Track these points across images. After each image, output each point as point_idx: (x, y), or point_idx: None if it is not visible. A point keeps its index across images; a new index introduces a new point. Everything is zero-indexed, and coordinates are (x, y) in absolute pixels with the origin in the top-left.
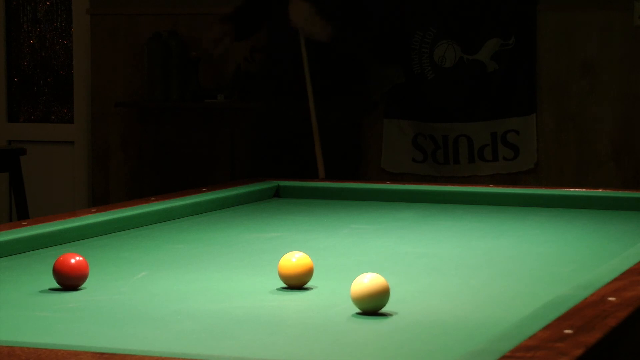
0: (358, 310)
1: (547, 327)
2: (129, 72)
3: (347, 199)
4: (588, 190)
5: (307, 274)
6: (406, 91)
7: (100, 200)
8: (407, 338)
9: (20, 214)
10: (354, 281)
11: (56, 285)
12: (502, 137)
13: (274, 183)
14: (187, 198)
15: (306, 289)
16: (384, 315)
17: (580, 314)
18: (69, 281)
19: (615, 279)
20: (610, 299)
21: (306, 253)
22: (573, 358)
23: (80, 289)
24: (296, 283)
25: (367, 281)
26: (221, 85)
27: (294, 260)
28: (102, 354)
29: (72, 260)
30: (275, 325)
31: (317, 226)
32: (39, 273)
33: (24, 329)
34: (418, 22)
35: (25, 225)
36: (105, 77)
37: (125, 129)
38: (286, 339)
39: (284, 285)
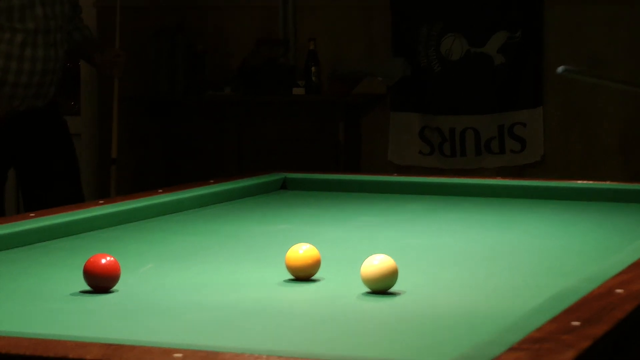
0: (366, 300)
1: (554, 320)
2: (136, 66)
3: (354, 191)
4: (595, 182)
5: (315, 266)
6: (413, 84)
7: (106, 192)
8: (414, 330)
9: (28, 206)
10: (365, 261)
11: (66, 280)
12: (509, 130)
13: (281, 175)
14: (194, 190)
15: (313, 280)
16: (391, 306)
17: (587, 307)
18: (101, 283)
19: (622, 272)
20: (618, 291)
21: (313, 245)
22: (580, 350)
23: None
24: (303, 275)
25: (377, 261)
26: (228, 78)
27: (302, 252)
28: (110, 345)
29: (103, 261)
30: (283, 317)
31: (324, 218)
32: (46, 265)
33: (32, 320)
34: (425, 15)
35: (32, 217)
36: None
37: (132, 123)
38: (294, 331)
39: (292, 277)
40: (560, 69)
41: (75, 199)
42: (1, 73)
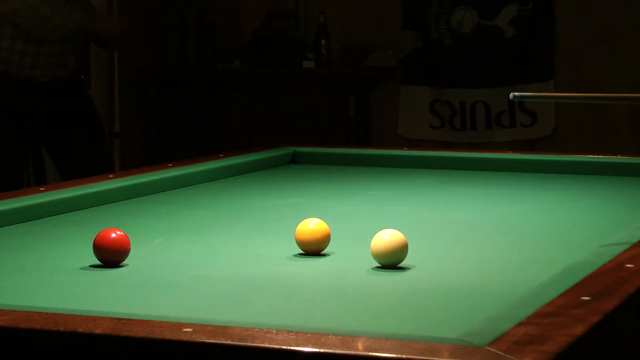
0: (376, 274)
1: (564, 294)
2: (146, 38)
3: (364, 165)
4: (606, 156)
5: (324, 240)
6: (423, 57)
7: (116, 166)
8: (423, 304)
9: (38, 179)
10: (375, 235)
11: (76, 254)
12: (520, 103)
13: (290, 149)
14: (203, 164)
15: (323, 255)
16: (400, 280)
17: (597, 281)
18: (111, 257)
19: (633, 246)
20: (628, 265)
21: (323, 219)
22: (590, 325)
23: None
24: (313, 249)
25: (387, 235)
26: (238, 50)
27: (311, 226)
28: (120, 319)
29: (113, 235)
30: (292, 291)
31: (334, 192)
32: (56, 239)
33: (42, 294)
34: None
35: (43, 191)
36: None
37: (141, 95)
38: (303, 305)
39: (301, 252)
40: (511, 95)
41: (103, 169)
42: (20, 43)
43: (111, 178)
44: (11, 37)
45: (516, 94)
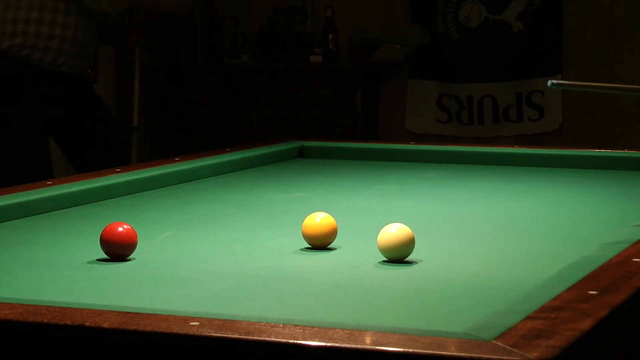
0: (382, 268)
1: (571, 288)
2: (154, 35)
3: (371, 159)
4: (613, 151)
5: (331, 234)
6: (431, 51)
7: (127, 160)
8: (430, 298)
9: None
10: (381, 230)
11: (83, 247)
12: (527, 98)
13: (297, 143)
14: (211, 158)
15: (330, 249)
16: (408, 275)
17: (605, 275)
18: (118, 250)
19: None
20: (636, 260)
21: (330, 213)
22: (597, 319)
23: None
24: (320, 243)
25: (394, 229)
26: (245, 45)
27: (318, 220)
28: (127, 313)
29: (120, 229)
30: (299, 286)
31: (341, 186)
32: (63, 233)
33: (49, 288)
34: None
35: (50, 184)
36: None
37: (150, 90)
38: (310, 299)
39: (308, 246)
40: (549, 83)
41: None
42: (47, 27)
43: (118, 172)
44: (38, 21)
45: (554, 81)
